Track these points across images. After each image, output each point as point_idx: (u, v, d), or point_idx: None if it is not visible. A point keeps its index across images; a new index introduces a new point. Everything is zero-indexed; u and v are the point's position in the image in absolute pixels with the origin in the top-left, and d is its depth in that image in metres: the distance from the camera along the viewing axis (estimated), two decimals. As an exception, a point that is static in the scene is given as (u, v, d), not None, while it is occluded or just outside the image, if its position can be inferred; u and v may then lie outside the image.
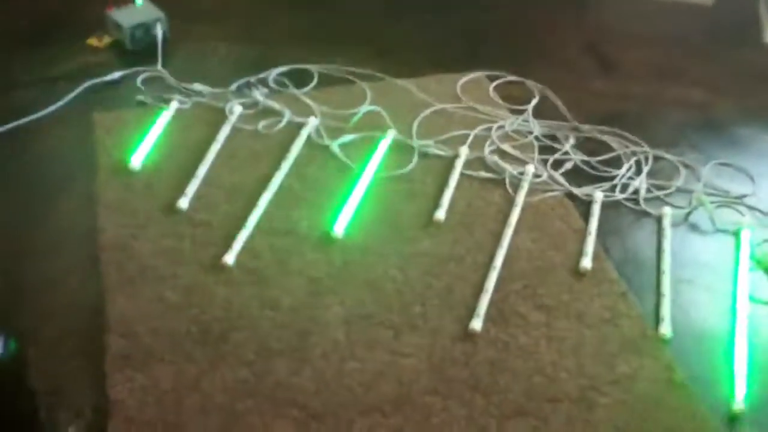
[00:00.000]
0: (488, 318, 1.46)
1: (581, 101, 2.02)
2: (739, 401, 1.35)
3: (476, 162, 1.80)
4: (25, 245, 1.54)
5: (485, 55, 2.16)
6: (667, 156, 1.85)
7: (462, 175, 1.76)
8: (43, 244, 1.54)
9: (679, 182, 1.79)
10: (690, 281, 1.58)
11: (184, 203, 1.61)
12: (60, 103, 1.85)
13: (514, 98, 2.01)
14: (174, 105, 1.86)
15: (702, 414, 1.33)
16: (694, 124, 1.98)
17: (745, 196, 1.78)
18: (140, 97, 1.89)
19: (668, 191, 1.77)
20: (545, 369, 1.39)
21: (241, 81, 1.96)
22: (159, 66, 1.99)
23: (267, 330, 1.40)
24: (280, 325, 1.41)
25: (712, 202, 1.74)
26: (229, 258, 1.51)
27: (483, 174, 1.77)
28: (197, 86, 1.92)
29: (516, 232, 1.63)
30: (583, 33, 2.30)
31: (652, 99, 2.06)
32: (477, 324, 1.44)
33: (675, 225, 1.69)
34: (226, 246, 1.53)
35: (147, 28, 2.05)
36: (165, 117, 1.82)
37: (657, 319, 1.48)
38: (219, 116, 1.85)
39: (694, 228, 1.70)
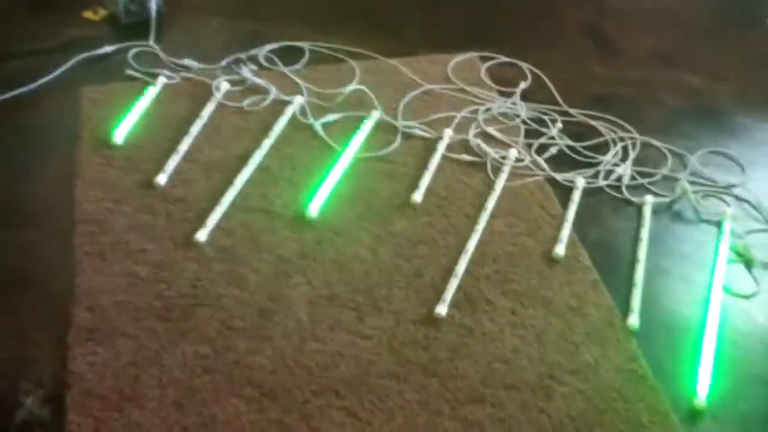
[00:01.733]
0: (455, 303, 1.45)
1: (575, 85, 1.99)
2: (701, 397, 1.34)
3: (460, 145, 1.79)
4: (5, 215, 1.56)
5: (482, 36, 2.13)
6: (655, 143, 1.82)
7: (444, 157, 1.75)
8: (22, 214, 1.57)
9: (665, 170, 1.76)
10: (666, 271, 1.56)
11: (162, 179, 1.63)
12: (51, 76, 1.87)
13: (507, 81, 1.99)
14: (161, 80, 1.87)
15: (662, 407, 1.32)
16: (688, 110, 1.94)
17: (733, 186, 1.74)
18: (130, 72, 1.90)
19: (653, 179, 1.74)
20: (506, 356, 1.38)
21: (231, 57, 1.96)
22: (151, 41, 2.00)
23: (231, 308, 1.41)
24: (244, 303, 1.42)
25: (697, 192, 1.71)
26: (202, 235, 1.52)
27: (465, 157, 1.76)
28: (187, 62, 1.93)
29: (492, 216, 1.62)
30: (584, 14, 2.25)
31: (648, 84, 2.02)
32: (442, 309, 1.43)
33: (657, 214, 1.67)
34: (200, 223, 1.55)
35: (142, 1, 2.06)
36: (151, 92, 1.84)
37: (626, 309, 1.46)
38: (206, 92, 1.85)
39: (677, 217, 1.67)
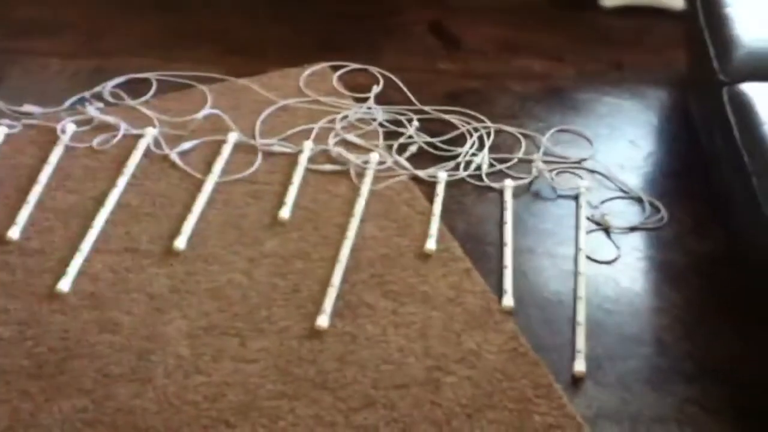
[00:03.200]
0: (336, 312, 1.46)
1: (426, 83, 2.04)
2: (580, 363, 1.39)
3: (321, 155, 1.79)
4: None
5: (331, 46, 2.15)
6: (508, 128, 1.89)
7: (307, 170, 1.75)
8: None
9: (520, 153, 1.83)
10: (532, 250, 1.62)
11: (14, 233, 1.55)
12: None
13: (360, 87, 2.01)
14: (2, 130, 1.78)
15: (545, 381, 1.37)
16: (534, 94, 2.02)
17: (584, 159, 1.83)
18: (-34, 126, 1.81)
19: (510, 164, 1.80)
20: (393, 356, 1.40)
21: (75, 97, 1.89)
22: (-14, 90, 1.90)
23: (106, 354, 1.37)
24: (120, 348, 1.38)
25: (552, 170, 1.78)
26: (65, 284, 1.46)
27: (328, 167, 1.76)
28: (27, 107, 1.85)
29: (362, 221, 1.64)
30: (428, 13, 2.31)
31: (494, 74, 2.09)
32: (323, 320, 1.43)
33: (518, 196, 1.73)
34: (62, 272, 1.48)
35: (-30, 51, 1.96)
36: (-7, 144, 1.75)
37: (500, 292, 1.51)
38: (52, 136, 1.78)
39: (537, 197, 1.74)
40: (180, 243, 1.55)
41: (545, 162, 1.79)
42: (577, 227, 1.65)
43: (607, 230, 1.65)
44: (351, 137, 1.84)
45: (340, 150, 1.79)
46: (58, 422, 1.27)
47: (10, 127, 1.80)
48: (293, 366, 1.37)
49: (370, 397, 1.33)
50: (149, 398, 1.30)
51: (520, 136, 1.87)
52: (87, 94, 1.90)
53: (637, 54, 2.18)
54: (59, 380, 1.32)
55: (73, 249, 1.53)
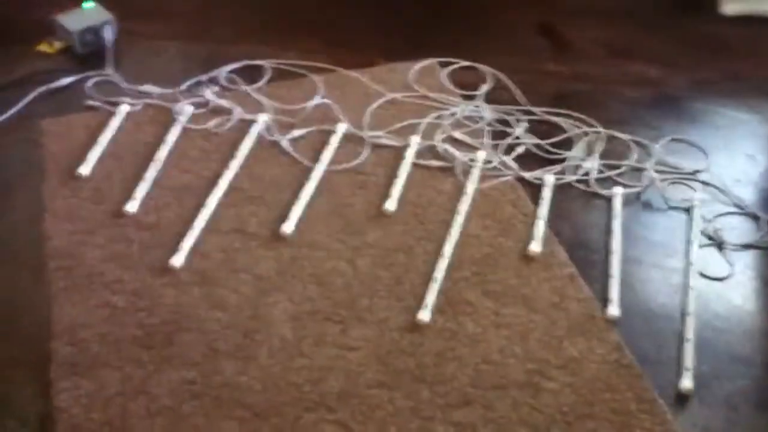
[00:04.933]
0: (437, 307, 1.46)
1: (535, 84, 2.01)
2: (687, 380, 1.36)
3: (428, 151, 1.80)
4: (-28, 256, 1.54)
5: (438, 42, 2.14)
6: (619, 135, 1.85)
7: (413, 164, 1.76)
8: (-11, 254, 1.54)
9: (631, 161, 1.79)
10: (640, 260, 1.58)
11: (132, 207, 1.61)
12: (10, 112, 1.84)
13: (468, 84, 2.00)
14: (124, 108, 1.85)
15: (649, 395, 1.34)
16: (647, 100, 1.98)
17: (698, 171, 1.77)
18: (90, 102, 1.88)
19: (620, 171, 1.77)
20: (492, 356, 1.39)
21: (192, 80, 1.95)
22: (109, 69, 1.98)
23: (214, 330, 1.40)
24: (227, 325, 1.41)
25: (664, 179, 1.74)
26: (177, 260, 1.51)
27: (434, 163, 1.77)
28: (147, 88, 1.91)
29: (466, 219, 1.63)
30: (535, 13, 2.28)
31: (605, 77, 2.05)
32: (425, 314, 1.44)
33: (627, 204, 1.69)
34: (175, 248, 1.53)
35: (96, 31, 2.04)
36: (114, 121, 1.82)
37: (605, 301, 1.48)
38: (169, 117, 1.84)
39: (647, 206, 1.70)
40: (287, 228, 1.58)
41: (657, 171, 1.75)
42: (688, 241, 1.61)
43: (720, 246, 1.60)
44: (458, 134, 1.83)
45: (447, 146, 1.79)
46: (166, 391, 1.31)
47: (131, 105, 1.86)
48: (393, 357, 1.38)
49: (468, 395, 1.33)
50: (253, 376, 1.33)
51: (631, 143, 1.83)
52: (204, 77, 1.96)
53: (754, 64, 2.11)
54: (169, 351, 1.37)
55: (186, 226, 1.57)
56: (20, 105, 1.86)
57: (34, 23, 2.13)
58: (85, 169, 1.69)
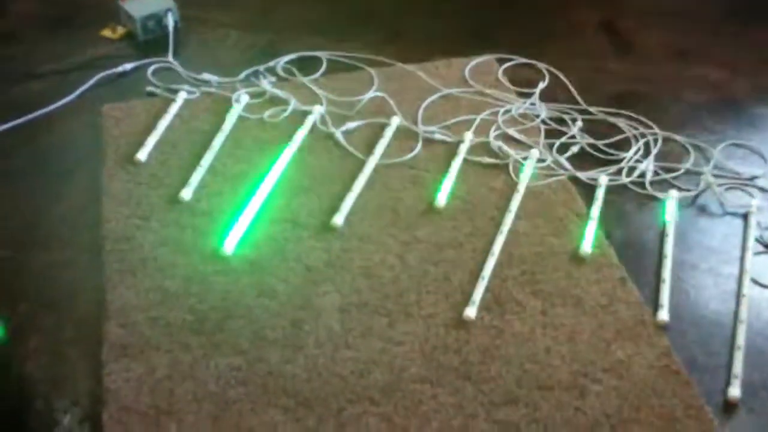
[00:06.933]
0: (484, 305, 1.46)
1: (594, 83, 1.99)
2: (735, 388, 1.33)
3: (481, 147, 1.79)
4: (31, 234, 1.58)
5: (497, 38, 2.14)
6: (677, 138, 1.81)
7: (465, 161, 1.75)
8: (48, 233, 1.59)
9: (688, 164, 1.76)
10: (694, 266, 1.55)
11: (187, 193, 1.64)
12: (72, 96, 1.89)
13: (525, 81, 1.99)
14: (182, 95, 1.88)
15: (696, 402, 1.32)
16: (708, 104, 1.93)
17: (756, 177, 1.73)
18: (150, 88, 1.92)
19: (676, 174, 1.73)
20: (538, 356, 1.38)
21: (250, 70, 1.97)
22: (170, 56, 2.01)
23: (262, 318, 1.42)
24: (275, 313, 1.43)
25: (722, 185, 1.70)
26: (229, 247, 1.53)
27: (487, 159, 1.76)
28: (206, 76, 1.94)
29: (517, 217, 1.63)
30: (598, 12, 2.25)
31: (666, 79, 2.02)
32: (471, 311, 1.44)
33: (682, 208, 1.66)
34: (226, 235, 1.56)
35: (158, 18, 2.08)
36: (173, 107, 1.85)
37: (656, 305, 1.46)
38: (226, 106, 1.87)
39: (702, 211, 1.67)
40: (338, 219, 1.60)
41: (715, 176, 1.71)
42: (743, 247, 1.58)
43: (775, 254, 1.57)
44: (512, 132, 1.82)
45: (501, 143, 1.78)
46: (214, 377, 1.33)
47: (189, 93, 1.90)
48: (438, 353, 1.38)
49: (512, 394, 1.32)
50: (300, 365, 1.35)
51: (689, 146, 1.80)
52: (261, 67, 1.98)
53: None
54: (218, 338, 1.39)
55: (238, 214, 1.60)
56: (82, 89, 1.91)
57: (99, 8, 2.19)
58: (142, 155, 1.73)
